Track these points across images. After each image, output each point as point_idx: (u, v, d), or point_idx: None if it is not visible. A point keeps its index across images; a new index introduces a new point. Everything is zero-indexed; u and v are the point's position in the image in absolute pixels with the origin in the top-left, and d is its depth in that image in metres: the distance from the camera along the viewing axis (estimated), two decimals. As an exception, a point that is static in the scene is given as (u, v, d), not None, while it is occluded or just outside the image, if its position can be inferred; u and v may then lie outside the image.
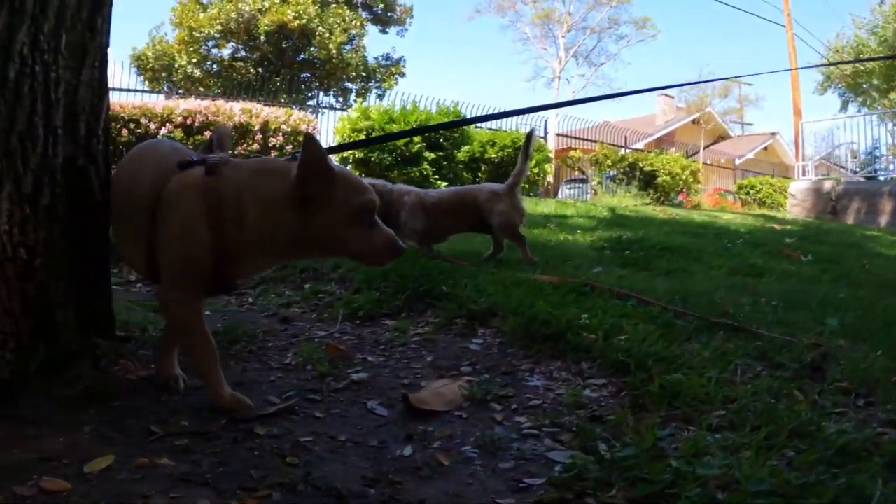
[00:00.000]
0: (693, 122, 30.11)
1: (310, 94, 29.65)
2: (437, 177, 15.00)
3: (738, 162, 30.85)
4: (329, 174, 1.86)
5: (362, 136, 14.63)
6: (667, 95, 36.76)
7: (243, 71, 28.57)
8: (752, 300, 3.24)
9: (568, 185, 20.85)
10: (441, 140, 15.21)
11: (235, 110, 14.20)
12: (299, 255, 2.41)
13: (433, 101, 16.61)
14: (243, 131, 14.10)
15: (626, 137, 21.99)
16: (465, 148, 15.60)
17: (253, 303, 3.70)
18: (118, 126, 12.90)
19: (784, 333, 2.61)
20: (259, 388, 2.26)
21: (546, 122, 19.33)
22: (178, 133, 13.37)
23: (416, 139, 14.59)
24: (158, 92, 20.67)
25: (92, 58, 2.21)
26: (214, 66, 29.17)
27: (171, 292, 2.02)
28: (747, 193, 19.35)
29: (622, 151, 19.59)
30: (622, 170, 17.28)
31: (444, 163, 15.33)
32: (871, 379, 2.12)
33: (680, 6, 69.89)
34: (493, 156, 15.58)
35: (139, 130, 12.95)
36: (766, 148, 37.09)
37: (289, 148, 14.20)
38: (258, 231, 1.89)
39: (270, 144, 14.09)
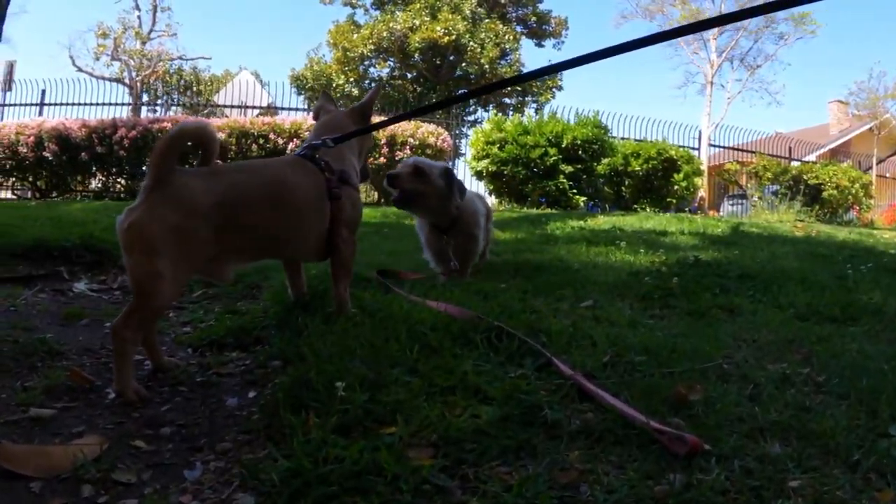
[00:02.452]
0: (871, 130, 26.49)
1: (468, 110, 29.47)
2: (574, 191, 14.00)
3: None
4: None
5: (495, 148, 14.01)
6: (840, 102, 32.75)
7: (401, 88, 28.87)
8: (782, 374, 1.97)
9: (731, 202, 18.90)
10: (580, 152, 14.18)
11: (363, 124, 13.94)
12: None
13: (573, 112, 15.44)
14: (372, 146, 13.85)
15: (790, 148, 19.48)
16: (606, 160, 14.45)
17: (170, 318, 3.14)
18: (248, 141, 13.06)
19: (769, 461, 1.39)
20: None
21: (699, 132, 17.67)
22: (307, 148, 13.34)
23: (552, 151, 13.72)
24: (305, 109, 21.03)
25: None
26: (372, 85, 29.74)
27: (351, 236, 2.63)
28: (929, 209, 16.66)
29: (794, 164, 17.43)
30: (785, 183, 15.30)
31: (584, 176, 14.27)
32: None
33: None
34: (637, 168, 14.28)
35: (268, 145, 12.99)
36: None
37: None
38: None
39: (397, 158, 13.68)
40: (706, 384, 1.81)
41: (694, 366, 1.96)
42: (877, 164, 24.38)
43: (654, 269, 3.91)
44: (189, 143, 2.23)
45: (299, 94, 27.46)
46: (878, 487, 1.35)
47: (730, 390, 1.80)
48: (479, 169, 14.24)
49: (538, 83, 29.94)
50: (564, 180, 13.81)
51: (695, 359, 2.02)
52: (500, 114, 26.87)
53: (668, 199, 14.47)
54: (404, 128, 14.24)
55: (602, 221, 7.54)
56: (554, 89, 30.31)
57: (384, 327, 2.06)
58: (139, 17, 29.06)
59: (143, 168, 13.05)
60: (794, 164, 17.27)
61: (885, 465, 1.42)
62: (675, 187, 14.41)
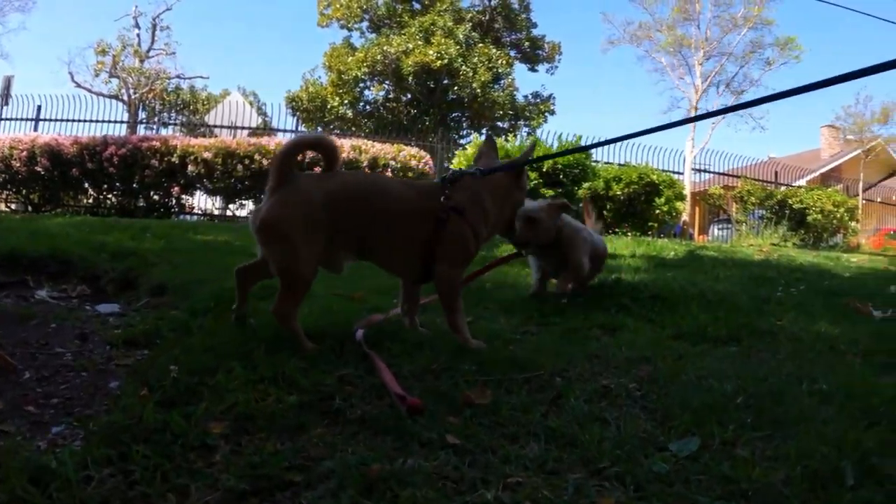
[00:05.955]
0: (865, 154, 26.83)
1: (461, 134, 29.85)
2: (554, 214, 14.22)
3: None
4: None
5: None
6: (832, 126, 33.23)
7: (395, 111, 29.31)
8: (603, 387, 2.17)
9: (718, 226, 19.22)
10: (561, 176, 14.46)
11: (346, 147, 14.28)
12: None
13: (555, 136, 15.79)
14: (352, 167, 14.18)
15: (776, 173, 19.78)
16: (587, 184, 14.72)
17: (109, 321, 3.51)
18: (234, 162, 13.37)
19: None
20: None
21: (683, 157, 18.02)
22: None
23: (533, 175, 14.01)
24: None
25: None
26: (367, 108, 30.19)
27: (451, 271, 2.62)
28: (918, 235, 16.93)
29: (781, 188, 17.70)
30: (771, 208, 15.59)
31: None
32: None
33: (825, 23, 61.99)
34: (619, 193, 14.56)
35: (253, 166, 13.26)
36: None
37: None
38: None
39: (379, 180, 13.95)
40: (511, 393, 2.07)
41: (514, 375, 2.21)
42: (864, 189, 24.65)
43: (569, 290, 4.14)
44: (307, 152, 2.53)
45: (294, 115, 27.93)
46: (607, 493, 1.47)
47: (532, 399, 2.03)
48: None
49: (530, 108, 30.39)
50: (544, 204, 14.06)
51: (524, 370, 2.27)
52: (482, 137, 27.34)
53: (650, 223, 14.72)
54: (386, 151, 14.58)
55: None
56: (546, 113, 30.77)
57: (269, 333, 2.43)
58: (138, 35, 29.70)
59: (134, 185, 13.37)
60: (782, 188, 17.45)
61: (633, 473, 1.54)
62: (657, 211, 14.65)
